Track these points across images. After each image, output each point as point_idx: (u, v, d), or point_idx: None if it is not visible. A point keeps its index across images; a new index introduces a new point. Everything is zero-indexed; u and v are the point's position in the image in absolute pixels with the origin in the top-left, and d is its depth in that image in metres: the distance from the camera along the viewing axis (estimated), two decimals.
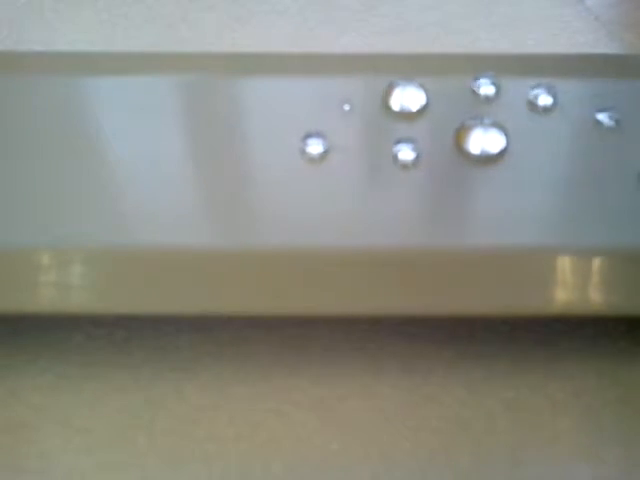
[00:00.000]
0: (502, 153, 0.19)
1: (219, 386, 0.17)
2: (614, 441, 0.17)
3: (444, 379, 0.17)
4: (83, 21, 0.26)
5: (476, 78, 0.21)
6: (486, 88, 0.21)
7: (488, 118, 0.20)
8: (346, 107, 0.21)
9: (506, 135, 0.20)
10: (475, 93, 0.21)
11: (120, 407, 0.17)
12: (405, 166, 0.19)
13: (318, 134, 0.20)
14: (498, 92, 0.21)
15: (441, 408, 0.17)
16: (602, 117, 0.20)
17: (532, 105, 0.21)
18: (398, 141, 0.20)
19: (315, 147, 0.19)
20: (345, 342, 0.18)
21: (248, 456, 0.16)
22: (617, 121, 0.20)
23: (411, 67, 0.22)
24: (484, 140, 0.19)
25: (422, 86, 0.21)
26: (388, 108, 0.21)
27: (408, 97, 0.21)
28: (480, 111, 0.20)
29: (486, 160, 0.19)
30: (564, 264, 0.17)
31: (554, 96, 0.21)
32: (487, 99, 0.21)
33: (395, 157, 0.19)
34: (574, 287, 0.17)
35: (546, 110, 0.21)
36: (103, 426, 0.17)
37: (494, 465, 0.16)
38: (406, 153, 0.19)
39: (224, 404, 0.17)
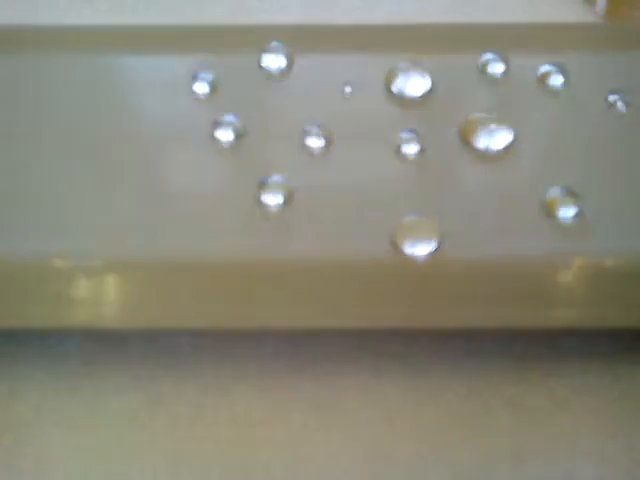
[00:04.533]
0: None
1: (219, 385, 0.17)
2: (615, 438, 0.17)
3: (445, 377, 0.17)
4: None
5: (484, 52, 0.21)
6: (494, 65, 0.21)
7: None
8: (347, 89, 0.20)
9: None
10: (482, 67, 0.21)
11: (120, 407, 0.17)
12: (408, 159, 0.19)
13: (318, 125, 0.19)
14: (507, 67, 0.20)
15: (442, 406, 0.17)
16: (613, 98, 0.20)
17: (541, 81, 0.20)
18: (403, 124, 0.19)
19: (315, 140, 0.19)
20: (346, 341, 0.18)
21: (248, 455, 0.16)
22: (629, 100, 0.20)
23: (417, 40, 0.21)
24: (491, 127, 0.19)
25: (426, 68, 0.20)
26: (390, 91, 0.20)
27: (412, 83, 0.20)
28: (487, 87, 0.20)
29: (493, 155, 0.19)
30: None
31: (564, 71, 0.20)
32: (494, 75, 0.20)
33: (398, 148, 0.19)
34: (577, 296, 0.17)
35: (556, 87, 0.20)
36: (103, 426, 0.17)
37: (495, 463, 0.16)
38: (411, 146, 0.19)
39: (224, 403, 0.17)
